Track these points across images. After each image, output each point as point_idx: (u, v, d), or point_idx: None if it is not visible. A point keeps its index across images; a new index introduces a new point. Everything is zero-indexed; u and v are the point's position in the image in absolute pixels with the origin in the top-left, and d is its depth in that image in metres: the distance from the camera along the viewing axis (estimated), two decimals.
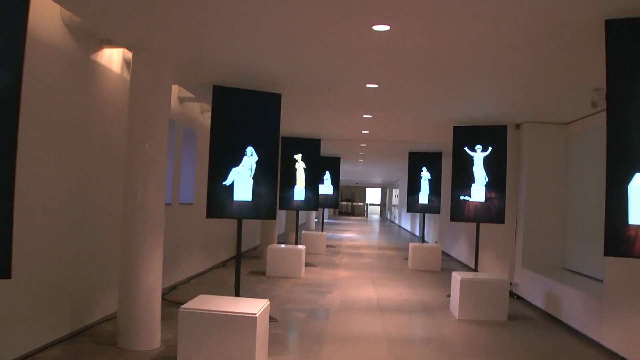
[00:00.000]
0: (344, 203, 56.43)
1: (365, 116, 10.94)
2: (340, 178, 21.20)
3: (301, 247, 12.73)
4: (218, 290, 10.26)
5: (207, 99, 9.37)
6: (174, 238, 10.27)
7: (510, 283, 10.40)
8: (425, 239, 21.45)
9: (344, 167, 24.21)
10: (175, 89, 10.13)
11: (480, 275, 9.48)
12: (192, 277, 11.47)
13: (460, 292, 8.77)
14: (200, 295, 6.47)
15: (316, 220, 30.71)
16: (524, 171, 10.75)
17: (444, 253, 15.82)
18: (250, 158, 8.21)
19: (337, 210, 53.59)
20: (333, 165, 19.46)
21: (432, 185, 16.31)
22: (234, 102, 8.18)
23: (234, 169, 8.07)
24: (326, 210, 40.54)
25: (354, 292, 10.88)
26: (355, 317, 8.67)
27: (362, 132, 13.31)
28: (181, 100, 10.48)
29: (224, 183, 8.01)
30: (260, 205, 8.24)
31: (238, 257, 8.25)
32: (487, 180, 10.25)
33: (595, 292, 7.95)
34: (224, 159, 8.05)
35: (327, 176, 19.36)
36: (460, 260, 16.71)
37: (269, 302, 6.39)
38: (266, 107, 8.34)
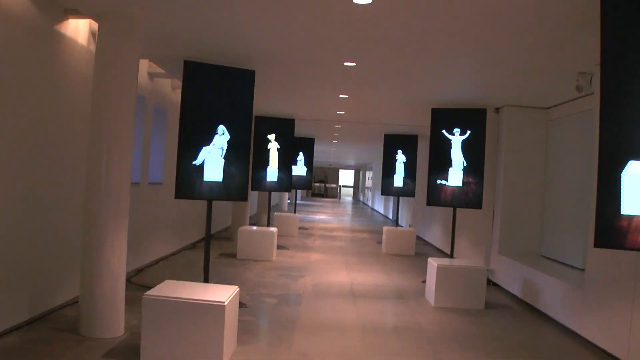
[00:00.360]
0: (317, 184, 56.20)
1: (341, 96, 10.63)
2: (314, 159, 20.94)
3: (273, 229, 12.43)
4: (187, 273, 9.96)
5: (178, 75, 8.97)
6: (141, 218, 9.91)
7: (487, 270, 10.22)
8: (399, 222, 21.27)
9: (317, 148, 23.88)
10: (144, 64, 9.71)
11: (456, 261, 9.27)
12: (161, 259, 11.11)
13: (436, 278, 8.54)
14: (167, 281, 6.15)
15: (289, 201, 30.45)
16: (502, 156, 10.55)
17: (417, 237, 15.64)
18: (221, 137, 7.86)
19: (310, 192, 53.38)
20: (307, 146, 19.18)
21: (408, 168, 16.09)
22: (206, 79, 7.82)
23: (204, 148, 7.74)
24: (299, 191, 40.35)
25: (326, 276, 10.62)
26: (328, 303, 8.41)
27: (338, 112, 13.00)
28: (151, 76, 10.07)
29: (193, 163, 7.68)
30: (231, 186, 7.93)
31: (207, 240, 7.95)
32: (464, 165, 10.04)
33: (576, 282, 7.80)
34: (194, 138, 7.71)
35: (300, 157, 19.06)
36: (435, 244, 16.55)
37: (238, 289, 6.08)
38: (239, 85, 8.00)
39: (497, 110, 10.76)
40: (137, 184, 9.72)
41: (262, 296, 8.60)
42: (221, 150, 7.87)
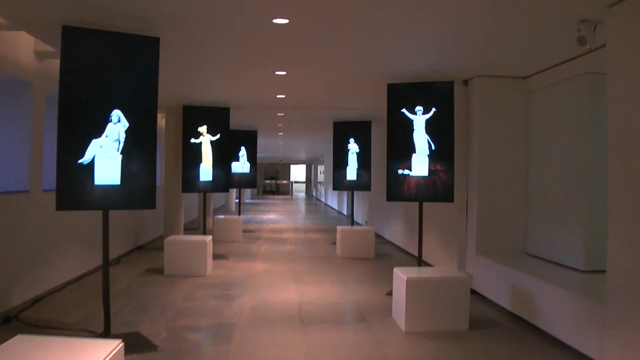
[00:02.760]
0: (268, 181, 54.42)
1: (278, 73, 8.71)
2: (262, 155, 19.16)
3: (206, 237, 10.41)
4: (98, 299, 7.94)
5: None
6: (36, 235, 7.90)
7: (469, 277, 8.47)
8: (355, 219, 19.50)
9: (262, 142, 22.08)
10: (29, 41, 7.66)
11: (429, 271, 7.42)
12: (71, 282, 9.04)
13: (406, 295, 6.64)
14: (18, 337, 4.17)
15: (237, 201, 28.53)
16: (475, 137, 8.79)
17: (376, 235, 13.77)
18: (116, 126, 5.95)
19: (260, 190, 51.60)
20: (249, 139, 17.26)
21: (361, 158, 14.38)
22: (93, 50, 5.89)
23: (93, 142, 5.85)
24: (248, 190, 38.33)
25: (270, 293, 8.68)
26: (269, 336, 6.44)
27: (278, 96, 11.07)
28: (40, 56, 7.95)
29: (80, 161, 5.78)
30: (133, 189, 6.05)
31: (105, 268, 6.07)
32: (431, 150, 8.29)
33: (582, 289, 6.11)
34: (78, 129, 5.82)
35: (242, 152, 17.12)
36: (396, 243, 14.74)
37: (121, 345, 4.12)
38: (138, 56, 6.12)
39: (465, 82, 9.01)
40: (24, 192, 7.69)
41: (184, 330, 6.59)
42: (117, 143, 5.97)
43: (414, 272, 7.09)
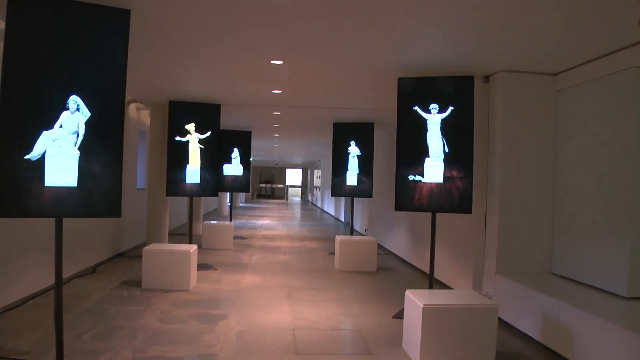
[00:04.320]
0: (263, 185, 53.42)
1: (273, 62, 7.62)
2: (258, 158, 18.14)
3: (190, 247, 9.29)
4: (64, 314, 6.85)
5: None
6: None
7: (480, 293, 7.37)
8: (354, 226, 18.41)
9: (258, 144, 21.06)
10: None
11: (449, 296, 6.18)
12: (35, 295, 7.95)
13: (422, 326, 5.53)
14: None
15: (230, 204, 27.54)
16: (497, 140, 7.72)
17: (377, 246, 12.67)
18: (74, 115, 4.89)
19: (255, 193, 50.67)
20: (243, 140, 16.19)
21: (362, 163, 13.34)
22: (47, 22, 4.82)
23: (44, 134, 4.76)
24: (242, 193, 37.23)
25: (260, 314, 7.54)
26: None
27: (274, 91, 9.98)
28: None
29: (27, 157, 4.68)
30: (93, 193, 4.97)
31: (58, 290, 5.01)
32: (446, 153, 7.25)
33: (626, 321, 5.09)
34: (26, 117, 4.72)
35: (235, 154, 16.05)
36: (399, 255, 13.65)
37: None
38: (104, 32, 5.05)
39: (486, 78, 7.95)
40: None
41: None
42: (75, 136, 4.89)
43: (429, 296, 5.95)
